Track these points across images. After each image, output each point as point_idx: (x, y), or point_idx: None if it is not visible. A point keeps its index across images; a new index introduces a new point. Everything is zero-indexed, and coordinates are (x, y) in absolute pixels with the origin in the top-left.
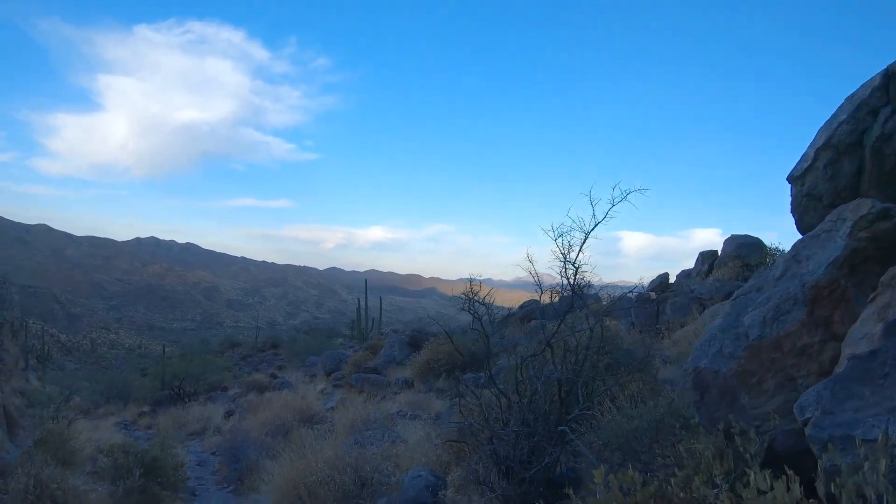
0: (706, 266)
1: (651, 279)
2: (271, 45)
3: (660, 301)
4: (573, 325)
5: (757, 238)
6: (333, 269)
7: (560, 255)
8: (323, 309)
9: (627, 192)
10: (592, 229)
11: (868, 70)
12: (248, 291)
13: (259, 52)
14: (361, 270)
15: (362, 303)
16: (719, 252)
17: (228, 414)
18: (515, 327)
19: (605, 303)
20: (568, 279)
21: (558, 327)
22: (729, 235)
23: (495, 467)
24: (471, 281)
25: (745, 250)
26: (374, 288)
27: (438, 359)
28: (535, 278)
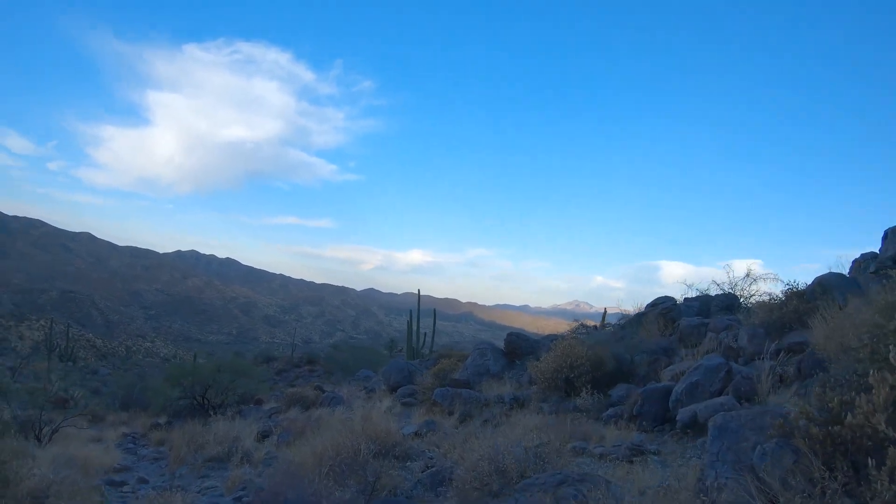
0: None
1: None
2: (317, 66)
3: None
4: None
5: None
6: (371, 290)
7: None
8: (359, 329)
9: None
10: None
11: None
12: (286, 308)
13: (305, 74)
14: (399, 293)
15: (414, 319)
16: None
17: (263, 435)
18: (652, 328)
19: None
20: None
21: None
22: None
23: None
24: None
25: None
26: (411, 310)
27: (575, 366)
28: None
